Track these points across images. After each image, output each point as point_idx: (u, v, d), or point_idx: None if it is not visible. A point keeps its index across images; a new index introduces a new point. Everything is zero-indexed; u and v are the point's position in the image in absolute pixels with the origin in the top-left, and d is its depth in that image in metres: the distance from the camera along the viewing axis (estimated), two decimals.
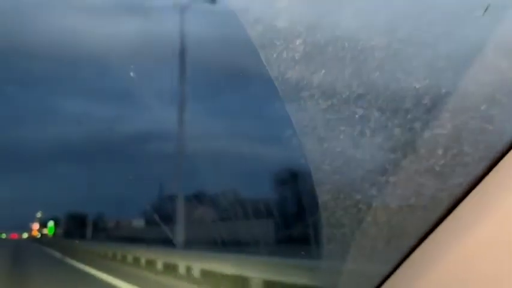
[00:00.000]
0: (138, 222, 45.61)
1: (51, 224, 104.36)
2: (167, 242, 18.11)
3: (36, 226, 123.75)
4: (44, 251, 38.22)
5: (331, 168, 1.81)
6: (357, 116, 1.86)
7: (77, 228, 79.46)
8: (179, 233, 20.21)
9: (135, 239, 33.75)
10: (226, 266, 11.59)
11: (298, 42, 1.73)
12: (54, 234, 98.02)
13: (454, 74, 1.74)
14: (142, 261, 19.14)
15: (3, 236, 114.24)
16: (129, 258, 21.08)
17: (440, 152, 1.65)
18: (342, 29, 1.85)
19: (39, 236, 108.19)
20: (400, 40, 1.74)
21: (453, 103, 1.70)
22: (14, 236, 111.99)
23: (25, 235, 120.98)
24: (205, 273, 13.05)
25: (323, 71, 1.84)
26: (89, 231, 57.89)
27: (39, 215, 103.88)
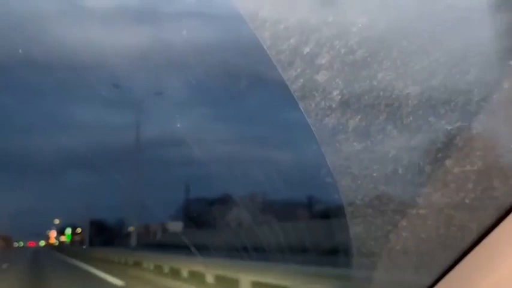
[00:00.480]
0: (175, 226, 39.96)
1: (68, 231, 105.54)
2: (218, 249, 15.75)
3: (53, 234, 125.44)
4: (68, 263, 31.74)
5: (357, 174, 1.96)
6: (390, 155, 2.01)
7: (99, 234, 79.81)
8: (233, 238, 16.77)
9: (173, 245, 28.47)
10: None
11: (335, 93, 1.90)
12: (72, 241, 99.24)
13: (485, 116, 1.88)
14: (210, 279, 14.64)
15: (21, 244, 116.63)
16: (186, 273, 16.76)
17: (470, 186, 1.77)
18: (377, 79, 2.00)
19: (56, 243, 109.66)
20: (433, 88, 1.89)
21: (483, 141, 1.84)
22: (32, 244, 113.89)
23: (42, 243, 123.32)
24: None
25: (358, 117, 1.99)
26: (114, 236, 55.10)
27: (57, 221, 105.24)
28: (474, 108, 1.87)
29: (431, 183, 1.94)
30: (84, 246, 73.19)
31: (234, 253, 14.84)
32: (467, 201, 1.77)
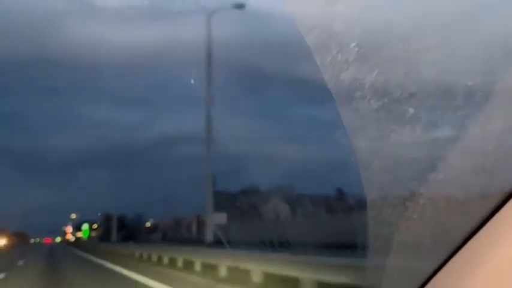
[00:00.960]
0: (218, 218, 32.93)
1: (85, 226, 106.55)
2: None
3: (69, 229, 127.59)
4: (89, 263, 28.48)
5: (380, 166, 2.01)
6: (407, 115, 2.05)
7: (119, 230, 79.80)
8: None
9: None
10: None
11: (352, 44, 1.95)
12: (89, 237, 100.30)
13: (505, 71, 1.91)
14: None
15: (37, 240, 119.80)
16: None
17: (490, 148, 1.79)
18: (395, 30, 2.05)
19: (73, 239, 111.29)
20: (452, 41, 1.92)
21: (504, 99, 1.86)
22: (48, 240, 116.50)
23: (58, 239, 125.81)
24: None
25: (376, 72, 2.04)
26: (136, 231, 53.49)
27: (73, 216, 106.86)
28: (494, 62, 1.91)
29: (450, 145, 1.98)
30: (100, 241, 74.04)
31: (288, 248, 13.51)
32: (487, 165, 1.81)
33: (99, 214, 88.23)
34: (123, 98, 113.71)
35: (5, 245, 65.85)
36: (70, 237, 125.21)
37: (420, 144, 2.01)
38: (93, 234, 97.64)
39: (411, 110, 2.04)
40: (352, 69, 2.04)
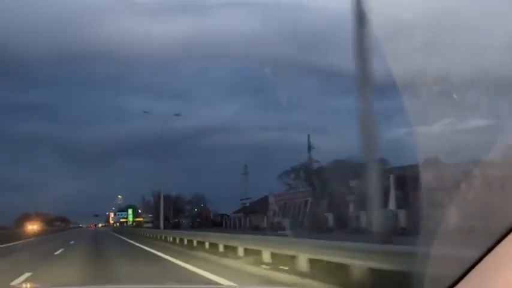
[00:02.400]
0: None
1: (130, 211, 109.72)
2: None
3: (111, 215, 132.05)
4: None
5: (437, 150, 2.34)
6: (467, 102, 2.37)
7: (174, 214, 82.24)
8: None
9: None
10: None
11: (418, 32, 2.29)
12: (135, 222, 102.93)
13: None
14: None
15: (80, 225, 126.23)
16: None
17: None
18: (461, 18, 2.36)
19: (116, 224, 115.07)
20: None
21: None
22: (91, 226, 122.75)
23: (100, 224, 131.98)
24: None
25: (440, 60, 2.37)
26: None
27: (119, 198, 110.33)
28: None
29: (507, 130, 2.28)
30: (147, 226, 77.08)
31: None
32: None
33: (152, 194, 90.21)
34: (161, 90, 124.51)
35: (38, 230, 68.91)
36: (112, 222, 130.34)
37: (478, 129, 2.32)
38: (139, 219, 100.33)
39: (471, 97, 2.37)
40: (417, 58, 2.38)
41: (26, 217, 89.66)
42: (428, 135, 2.47)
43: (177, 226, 71.79)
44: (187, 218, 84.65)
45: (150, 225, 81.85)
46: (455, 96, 2.38)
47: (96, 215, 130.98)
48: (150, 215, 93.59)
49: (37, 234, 54.51)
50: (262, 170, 73.29)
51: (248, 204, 69.79)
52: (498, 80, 2.28)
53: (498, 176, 2.19)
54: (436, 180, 2.41)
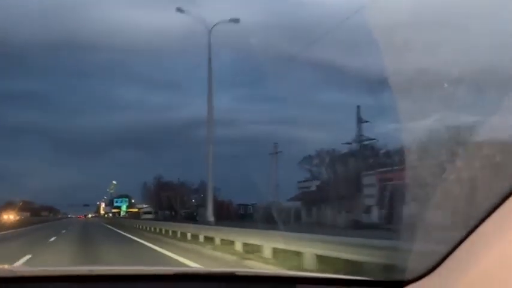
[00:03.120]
0: None
1: (123, 201, 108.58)
2: None
3: (102, 205, 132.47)
4: None
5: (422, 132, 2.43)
6: (455, 99, 2.47)
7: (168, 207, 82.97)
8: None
9: None
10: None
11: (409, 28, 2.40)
12: (127, 213, 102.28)
13: None
14: None
15: (69, 216, 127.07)
16: None
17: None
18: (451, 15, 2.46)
19: (107, 215, 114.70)
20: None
21: None
22: (80, 217, 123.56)
23: (90, 215, 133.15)
24: None
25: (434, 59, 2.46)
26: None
27: (114, 184, 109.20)
28: None
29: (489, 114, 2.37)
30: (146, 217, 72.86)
31: None
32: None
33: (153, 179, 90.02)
34: (153, 80, 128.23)
35: (16, 220, 67.23)
36: (102, 212, 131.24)
37: (465, 126, 2.40)
38: (135, 210, 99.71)
39: (459, 94, 2.47)
40: (412, 57, 2.47)
41: (9, 206, 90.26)
42: (417, 130, 2.57)
43: (192, 218, 62.80)
44: (201, 208, 69.44)
45: (150, 216, 79.44)
46: (444, 92, 2.51)
47: (86, 205, 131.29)
48: (145, 205, 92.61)
49: (13, 226, 47.88)
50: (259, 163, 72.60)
51: (314, 189, 56.21)
52: (487, 77, 2.39)
53: (481, 154, 2.30)
54: (420, 160, 2.52)
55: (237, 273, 2.64)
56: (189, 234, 23.73)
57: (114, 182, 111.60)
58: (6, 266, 2.70)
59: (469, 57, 2.48)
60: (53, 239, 26.16)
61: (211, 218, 32.41)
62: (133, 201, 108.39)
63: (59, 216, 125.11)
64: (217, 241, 19.33)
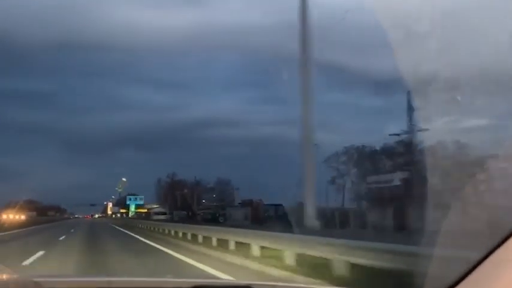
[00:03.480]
0: None
1: (137, 198, 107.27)
2: None
3: (109, 205, 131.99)
4: None
5: (444, 153, 2.57)
6: (475, 104, 2.59)
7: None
8: None
9: None
10: None
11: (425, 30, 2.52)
12: (135, 213, 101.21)
13: None
14: None
15: (76, 216, 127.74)
16: None
17: None
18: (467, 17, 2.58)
19: (115, 215, 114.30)
20: None
21: None
22: (88, 216, 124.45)
23: (97, 215, 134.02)
24: None
25: (446, 59, 2.59)
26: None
27: (123, 182, 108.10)
28: None
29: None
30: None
31: None
32: None
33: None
34: (160, 80, 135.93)
35: (22, 220, 66.53)
36: (109, 213, 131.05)
37: (484, 131, 2.55)
38: (144, 210, 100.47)
39: (479, 100, 2.59)
40: (429, 61, 2.60)
41: (14, 205, 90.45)
42: (432, 132, 2.68)
43: (214, 220, 57.45)
44: (229, 208, 67.32)
45: (162, 217, 74.34)
46: (459, 98, 2.59)
47: (93, 205, 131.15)
48: (155, 205, 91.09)
49: (18, 226, 44.40)
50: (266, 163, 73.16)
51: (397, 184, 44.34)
52: (504, 80, 2.49)
53: (501, 176, 2.40)
54: (441, 182, 2.64)
55: (252, 286, 2.68)
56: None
57: (123, 179, 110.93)
58: (26, 275, 2.82)
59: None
60: (62, 237, 27.45)
61: (314, 221, 24.94)
62: (142, 202, 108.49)
63: (66, 216, 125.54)
64: None
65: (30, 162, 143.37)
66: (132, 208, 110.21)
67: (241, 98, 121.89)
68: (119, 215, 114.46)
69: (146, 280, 3.04)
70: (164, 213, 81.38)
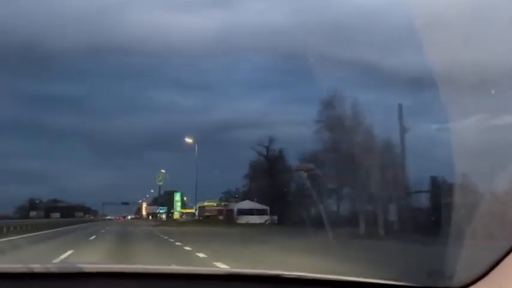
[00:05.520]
0: None
1: (178, 197, 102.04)
2: None
3: (144, 205, 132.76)
4: None
5: (471, 150, 2.99)
6: (504, 97, 3.00)
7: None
8: None
9: None
10: None
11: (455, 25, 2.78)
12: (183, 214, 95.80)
13: None
14: None
15: (110, 217, 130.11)
16: None
17: None
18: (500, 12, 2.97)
19: (158, 217, 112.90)
20: None
21: None
22: (120, 219, 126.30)
23: (129, 217, 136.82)
24: None
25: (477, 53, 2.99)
26: None
27: (160, 178, 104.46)
28: None
29: None
30: None
31: None
32: None
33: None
34: (189, 83, 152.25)
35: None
36: (144, 215, 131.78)
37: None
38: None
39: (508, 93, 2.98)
40: (454, 51, 2.95)
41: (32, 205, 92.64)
42: (463, 130, 3.02)
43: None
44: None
45: (259, 219, 61.95)
46: (493, 92, 2.84)
47: (126, 203, 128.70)
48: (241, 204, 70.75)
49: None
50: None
51: None
52: None
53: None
54: (467, 182, 3.10)
55: (282, 275, 3.01)
56: None
57: (162, 170, 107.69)
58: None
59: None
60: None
61: None
62: (185, 198, 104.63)
63: (97, 217, 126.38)
64: None
65: (62, 165, 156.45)
66: (178, 208, 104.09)
67: (267, 98, 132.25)
68: (164, 216, 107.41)
69: (160, 268, 3.33)
70: (264, 213, 65.55)
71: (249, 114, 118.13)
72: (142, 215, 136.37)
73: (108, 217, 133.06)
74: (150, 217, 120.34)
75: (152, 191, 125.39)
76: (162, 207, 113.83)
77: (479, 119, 2.89)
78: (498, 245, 2.55)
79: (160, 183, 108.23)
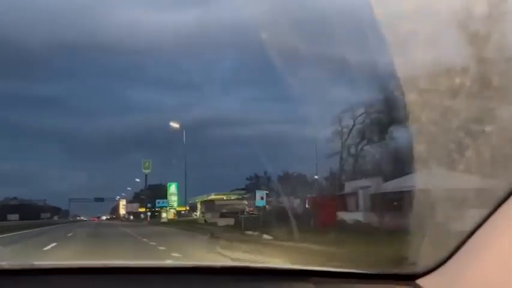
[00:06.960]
0: None
1: (173, 189, 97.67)
2: None
3: (123, 202, 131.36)
4: None
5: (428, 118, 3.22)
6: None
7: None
8: None
9: None
10: None
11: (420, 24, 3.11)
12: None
13: None
14: None
15: (83, 218, 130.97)
16: None
17: None
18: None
19: (127, 217, 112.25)
20: None
21: None
22: (94, 219, 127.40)
23: (104, 217, 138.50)
24: None
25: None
26: None
27: (147, 165, 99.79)
28: None
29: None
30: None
31: None
32: None
33: None
34: (168, 81, 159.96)
35: None
36: (121, 215, 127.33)
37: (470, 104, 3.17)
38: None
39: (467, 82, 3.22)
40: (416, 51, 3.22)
41: None
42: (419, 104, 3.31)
43: None
44: None
45: None
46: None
47: (101, 199, 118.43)
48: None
49: None
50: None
51: None
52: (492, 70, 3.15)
53: (489, 144, 3.03)
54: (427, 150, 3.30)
55: (251, 267, 3.30)
56: None
57: (147, 160, 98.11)
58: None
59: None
60: None
61: None
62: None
63: (65, 218, 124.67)
64: None
65: (36, 164, 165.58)
66: (175, 204, 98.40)
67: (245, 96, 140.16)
68: (148, 214, 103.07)
69: (137, 263, 3.59)
70: None
71: (227, 112, 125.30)
72: (119, 214, 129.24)
73: (81, 217, 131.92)
74: (131, 217, 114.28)
75: (129, 188, 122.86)
76: (161, 201, 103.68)
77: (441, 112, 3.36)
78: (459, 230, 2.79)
79: (147, 170, 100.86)
